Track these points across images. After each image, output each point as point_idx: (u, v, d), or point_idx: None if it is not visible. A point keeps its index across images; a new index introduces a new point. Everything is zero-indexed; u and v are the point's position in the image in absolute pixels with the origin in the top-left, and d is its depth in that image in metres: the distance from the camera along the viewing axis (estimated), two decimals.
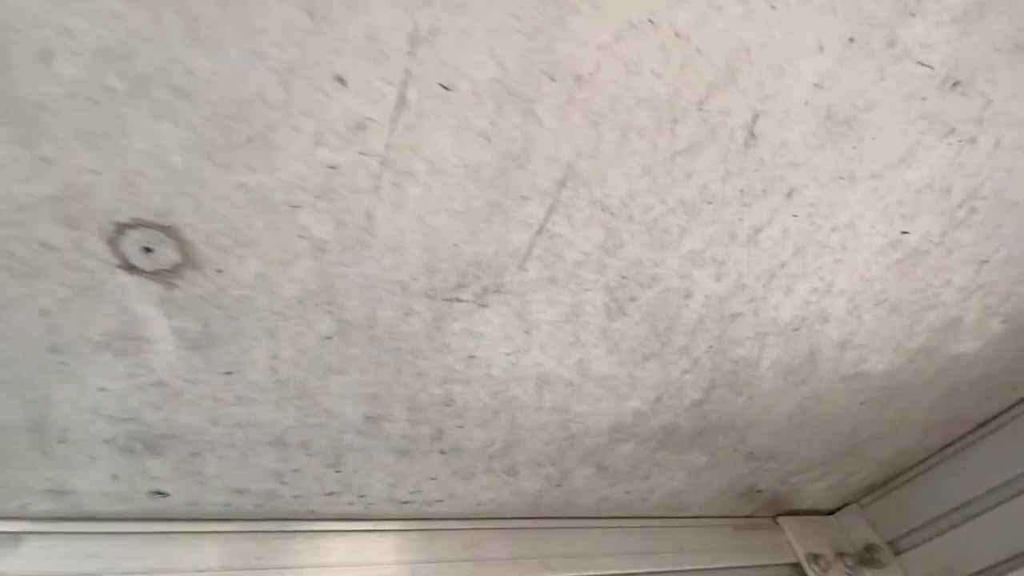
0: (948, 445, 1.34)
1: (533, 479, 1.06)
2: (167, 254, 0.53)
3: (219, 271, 0.56)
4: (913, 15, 0.50)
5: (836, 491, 1.48)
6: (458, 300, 0.65)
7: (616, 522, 1.26)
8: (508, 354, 0.76)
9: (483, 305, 0.67)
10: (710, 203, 0.62)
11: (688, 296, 0.74)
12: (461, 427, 0.87)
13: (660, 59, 0.48)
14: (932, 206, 0.69)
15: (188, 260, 0.54)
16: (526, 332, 0.73)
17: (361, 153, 0.49)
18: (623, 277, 0.69)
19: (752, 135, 0.56)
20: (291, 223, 0.53)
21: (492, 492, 1.06)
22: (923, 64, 0.54)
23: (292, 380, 0.71)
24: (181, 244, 0.53)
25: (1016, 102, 0.59)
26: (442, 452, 0.91)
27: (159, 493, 0.84)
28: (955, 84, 0.56)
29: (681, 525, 1.34)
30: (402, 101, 0.47)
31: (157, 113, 0.44)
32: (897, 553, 1.39)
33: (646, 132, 0.53)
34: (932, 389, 1.10)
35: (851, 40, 0.50)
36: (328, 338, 0.66)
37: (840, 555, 1.43)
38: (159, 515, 0.88)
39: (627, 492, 1.19)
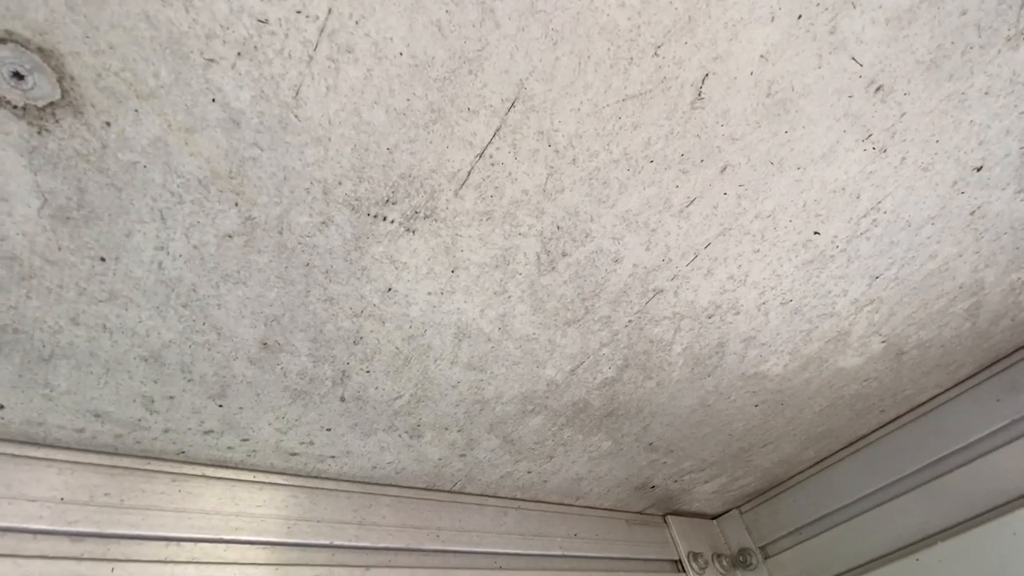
0: (821, 460, 1.48)
1: (437, 445, 1.02)
2: (42, 86, 0.45)
3: (107, 124, 0.48)
4: (854, 6, 0.53)
5: (720, 496, 1.56)
6: (384, 219, 0.61)
7: (514, 503, 1.25)
8: (430, 294, 0.72)
9: (411, 230, 0.63)
10: (652, 162, 0.63)
11: (617, 261, 0.74)
12: (368, 372, 0.81)
13: None
14: (842, 210, 0.75)
15: (68, 100, 0.46)
16: (452, 271, 0.70)
17: (298, 11, 0.44)
18: (558, 227, 0.68)
19: (700, 96, 0.57)
20: (203, 80, 0.47)
21: (391, 455, 1.01)
22: (855, 60, 0.58)
23: (181, 282, 0.63)
24: (61, 77, 0.45)
25: (925, 121, 0.66)
26: (343, 400, 0.85)
27: None
28: (878, 88, 0.61)
29: (577, 513, 1.35)
30: None
31: None
32: (767, 557, 1.50)
33: (602, 66, 0.53)
34: (817, 400, 1.19)
35: (799, 17, 0.53)
36: (230, 236, 0.59)
37: (717, 556, 1.51)
38: None
39: (529, 472, 1.18)
